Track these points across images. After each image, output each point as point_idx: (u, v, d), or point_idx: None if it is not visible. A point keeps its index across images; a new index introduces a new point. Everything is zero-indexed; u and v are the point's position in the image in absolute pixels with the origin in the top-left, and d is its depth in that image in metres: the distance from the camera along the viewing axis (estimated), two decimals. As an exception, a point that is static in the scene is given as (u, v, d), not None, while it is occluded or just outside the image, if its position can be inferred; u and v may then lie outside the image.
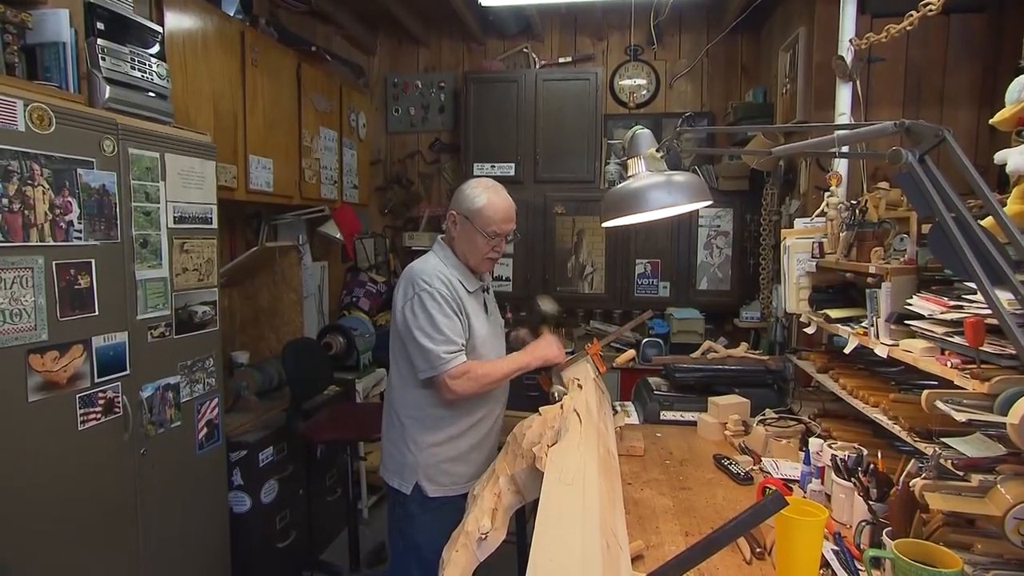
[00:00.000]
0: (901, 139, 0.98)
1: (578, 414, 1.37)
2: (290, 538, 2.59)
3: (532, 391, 3.44)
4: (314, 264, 3.58)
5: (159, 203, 1.86)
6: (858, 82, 2.27)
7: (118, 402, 1.72)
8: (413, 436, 1.66)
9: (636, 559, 1.23)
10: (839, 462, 1.40)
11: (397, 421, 1.70)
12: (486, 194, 1.67)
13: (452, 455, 1.67)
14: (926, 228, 1.41)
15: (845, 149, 1.13)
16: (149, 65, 1.88)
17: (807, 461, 1.53)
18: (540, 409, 1.47)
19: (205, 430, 2.08)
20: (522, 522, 2.10)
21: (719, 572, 1.20)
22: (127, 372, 1.75)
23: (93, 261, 1.63)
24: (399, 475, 1.69)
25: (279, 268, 3.10)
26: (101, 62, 1.72)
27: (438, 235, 1.80)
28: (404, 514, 1.69)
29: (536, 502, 1.10)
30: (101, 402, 1.66)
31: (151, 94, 1.89)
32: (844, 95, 2.28)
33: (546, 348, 1.76)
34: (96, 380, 1.64)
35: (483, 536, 1.17)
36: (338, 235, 3.44)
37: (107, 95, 1.72)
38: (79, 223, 1.58)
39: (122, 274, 1.74)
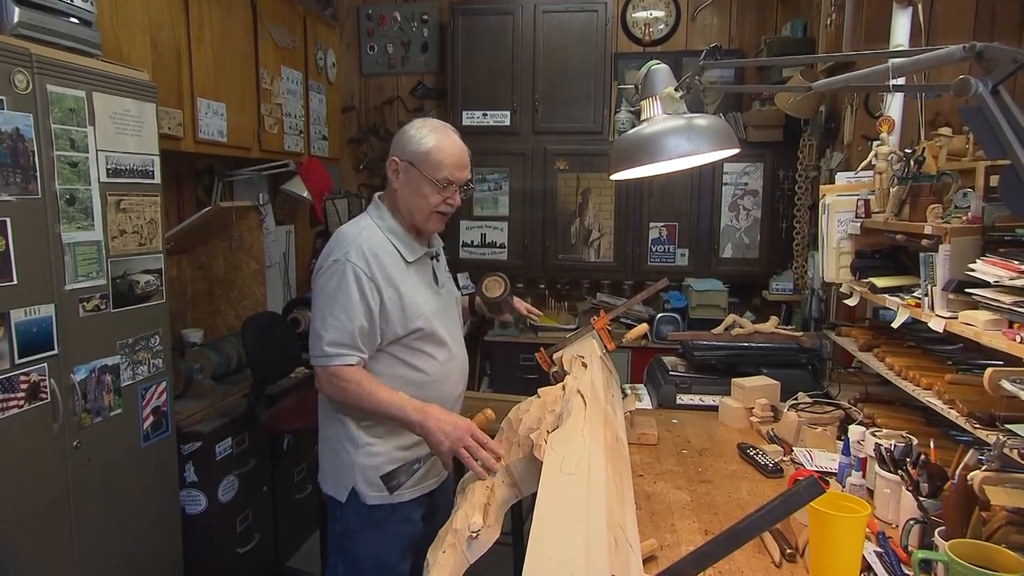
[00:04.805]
0: (971, 68, 0.94)
1: (582, 395, 1.37)
2: (253, 542, 2.60)
3: (530, 373, 3.46)
4: (278, 228, 3.55)
5: (87, 152, 1.81)
6: (919, 7, 2.19)
7: (45, 387, 1.69)
8: (349, 431, 1.60)
9: (648, 560, 1.22)
10: (884, 452, 1.39)
11: (333, 414, 1.63)
12: (434, 135, 1.59)
13: (397, 456, 1.58)
14: (996, 181, 1.37)
15: (900, 81, 1.09)
16: (68, -17, 1.80)
17: (846, 451, 1.53)
18: (539, 391, 1.46)
19: (151, 419, 2.07)
20: (519, 519, 2.12)
21: (744, 575, 1.19)
22: (55, 352, 1.72)
23: (8, 220, 1.58)
24: (334, 478, 1.63)
25: (236, 232, 3.05)
26: (7, -24, 1.65)
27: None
28: (342, 528, 1.63)
29: (534, 496, 1.09)
30: (24, 387, 1.63)
31: (72, 19, 1.82)
32: (901, 24, 2.21)
33: (451, 427, 1.42)
34: (17, 361, 1.61)
35: (474, 535, 1.16)
36: (305, 194, 3.40)
37: (16, 18, 1.65)
38: (-10, 174, 1.53)
39: (45, 236, 1.69)
